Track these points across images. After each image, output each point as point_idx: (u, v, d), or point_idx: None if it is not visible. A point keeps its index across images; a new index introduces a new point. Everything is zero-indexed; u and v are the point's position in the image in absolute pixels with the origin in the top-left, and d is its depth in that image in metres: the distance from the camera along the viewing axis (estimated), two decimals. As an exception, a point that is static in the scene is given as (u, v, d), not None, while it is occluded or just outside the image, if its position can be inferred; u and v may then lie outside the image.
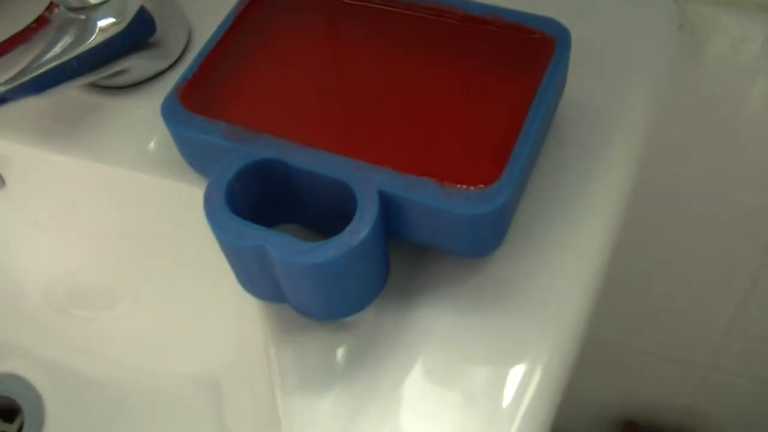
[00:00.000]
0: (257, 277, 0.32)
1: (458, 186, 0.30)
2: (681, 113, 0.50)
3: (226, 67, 0.35)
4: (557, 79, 0.33)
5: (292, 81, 0.35)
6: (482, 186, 0.30)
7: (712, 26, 0.44)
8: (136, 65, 0.41)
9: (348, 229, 0.29)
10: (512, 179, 0.30)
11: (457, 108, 0.33)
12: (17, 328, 0.51)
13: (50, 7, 0.41)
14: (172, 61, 0.43)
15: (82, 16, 0.39)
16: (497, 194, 0.29)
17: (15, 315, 0.51)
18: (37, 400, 0.50)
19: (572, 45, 0.34)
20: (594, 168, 0.37)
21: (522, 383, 0.32)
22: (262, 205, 0.33)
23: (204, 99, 0.34)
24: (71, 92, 0.43)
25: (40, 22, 0.42)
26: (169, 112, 0.34)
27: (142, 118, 0.42)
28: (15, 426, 0.50)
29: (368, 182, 0.30)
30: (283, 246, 0.29)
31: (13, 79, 0.37)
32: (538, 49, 0.34)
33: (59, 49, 0.38)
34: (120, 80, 0.42)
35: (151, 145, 0.41)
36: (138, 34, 0.40)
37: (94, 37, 0.39)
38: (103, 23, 0.39)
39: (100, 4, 0.39)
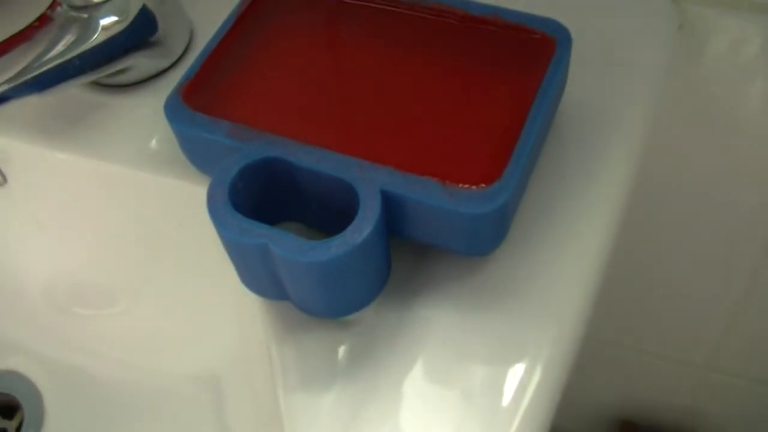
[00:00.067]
0: (259, 275, 0.32)
1: (460, 185, 0.30)
2: (680, 113, 0.50)
3: (229, 65, 0.35)
4: (558, 79, 0.33)
5: (294, 80, 0.35)
6: (484, 185, 0.30)
7: (711, 27, 0.44)
8: (138, 64, 0.42)
9: (350, 227, 0.29)
10: (513, 179, 0.30)
11: (458, 107, 0.33)
12: (17, 325, 0.51)
13: (53, 6, 0.41)
14: (173, 60, 0.43)
15: (85, 15, 0.39)
16: (499, 194, 0.29)
17: (15, 312, 0.51)
18: (36, 397, 0.50)
19: (572, 45, 0.34)
20: (594, 168, 0.37)
21: (522, 383, 0.32)
22: (264, 203, 0.33)
23: (207, 98, 0.34)
24: (73, 90, 0.43)
25: (43, 21, 0.42)
26: (172, 111, 0.34)
27: (143, 117, 0.42)
28: (14, 423, 0.50)
29: (371, 181, 0.30)
30: (286, 244, 0.29)
31: (15, 77, 0.38)
32: (539, 50, 0.34)
33: (62, 48, 0.38)
34: (122, 79, 0.42)
35: (153, 143, 0.41)
36: (140, 33, 0.40)
37: (96, 35, 0.39)
38: (105, 22, 0.39)
39: (103, 2, 0.39)
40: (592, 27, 0.41)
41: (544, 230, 0.35)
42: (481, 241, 0.32)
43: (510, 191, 0.30)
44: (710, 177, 0.55)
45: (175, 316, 0.47)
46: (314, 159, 0.31)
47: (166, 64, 0.43)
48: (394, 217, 0.31)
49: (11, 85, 0.37)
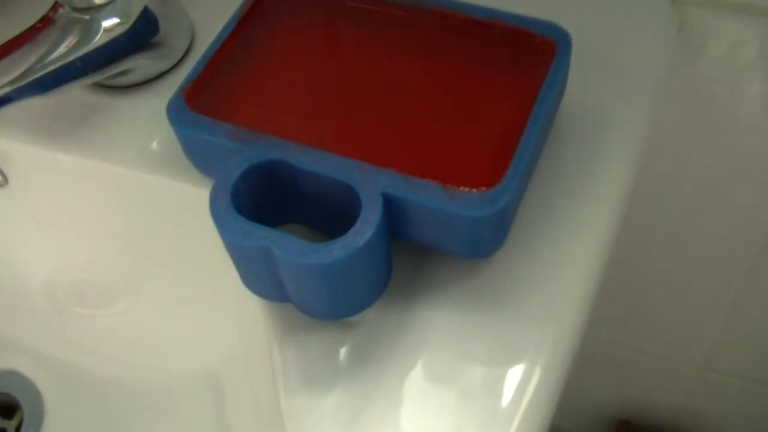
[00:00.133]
0: (261, 277, 0.32)
1: (461, 188, 0.30)
2: (679, 114, 0.50)
3: (231, 68, 0.35)
4: (558, 82, 0.33)
5: (296, 82, 0.35)
6: (484, 188, 0.30)
7: (710, 29, 0.44)
8: (140, 65, 0.42)
9: (352, 230, 0.29)
10: (514, 182, 0.30)
11: (458, 110, 0.33)
12: (17, 325, 0.51)
13: (55, 7, 0.41)
14: (175, 62, 0.43)
15: (87, 17, 0.39)
16: (500, 197, 0.30)
17: (15, 312, 0.51)
18: (36, 397, 0.50)
19: (572, 48, 0.34)
20: (594, 169, 0.37)
21: (521, 383, 0.32)
22: (265, 205, 0.33)
23: (209, 100, 0.34)
24: (74, 91, 0.43)
25: (45, 22, 0.42)
26: (174, 113, 0.34)
27: (145, 118, 0.42)
28: (14, 423, 0.50)
29: (372, 184, 0.30)
30: (289, 246, 0.29)
31: (18, 78, 0.38)
32: (539, 53, 0.34)
33: (64, 50, 0.39)
34: (123, 80, 0.42)
35: (154, 144, 0.41)
36: (142, 35, 0.41)
37: (98, 37, 0.39)
38: (107, 23, 0.39)
39: (105, 4, 0.39)
40: (592, 28, 0.41)
41: (543, 232, 0.35)
42: (482, 243, 0.32)
43: (510, 194, 0.30)
44: (709, 177, 0.55)
45: (174, 316, 0.47)
46: (316, 161, 0.31)
47: (167, 65, 0.43)
48: (395, 220, 0.31)
49: (14, 86, 0.37)
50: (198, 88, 0.35)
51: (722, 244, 0.61)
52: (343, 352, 0.33)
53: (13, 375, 0.51)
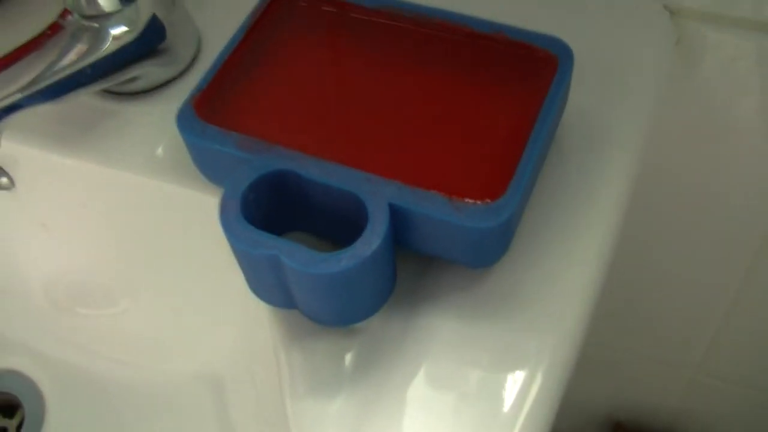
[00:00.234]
0: (269, 284, 0.33)
1: (465, 200, 0.31)
2: (677, 126, 0.51)
3: (240, 78, 0.36)
4: (560, 96, 0.34)
5: (303, 93, 0.36)
6: (489, 200, 0.31)
7: (708, 43, 0.45)
8: (148, 72, 0.42)
9: (360, 240, 0.30)
10: (518, 193, 0.31)
11: (463, 122, 0.34)
12: (20, 324, 0.51)
13: (63, 14, 0.41)
14: (182, 69, 0.44)
15: (96, 24, 0.39)
16: (504, 208, 0.30)
17: (18, 312, 0.51)
18: (37, 396, 0.50)
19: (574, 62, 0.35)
20: (594, 180, 0.38)
21: (523, 389, 0.33)
22: (273, 214, 0.34)
23: (218, 109, 0.35)
24: (82, 97, 0.43)
25: (54, 29, 0.43)
26: (184, 122, 0.34)
27: (151, 125, 0.42)
28: (15, 422, 0.50)
29: (379, 195, 0.31)
30: (298, 256, 0.30)
31: (28, 86, 0.38)
32: (542, 67, 0.35)
33: (73, 57, 0.39)
34: (131, 87, 0.43)
35: (160, 151, 0.41)
36: (149, 42, 0.41)
37: (107, 45, 0.39)
38: (115, 31, 0.39)
39: (114, 12, 0.39)
40: (592, 41, 0.42)
41: (545, 241, 0.36)
42: (485, 253, 0.33)
43: (514, 206, 0.31)
44: (704, 185, 0.56)
45: (177, 318, 0.47)
46: (324, 172, 0.32)
47: (174, 72, 0.43)
48: (401, 230, 0.32)
49: (24, 93, 0.38)
50: (207, 97, 0.35)
51: (717, 249, 0.61)
52: (348, 358, 0.34)
53: (15, 374, 0.51)
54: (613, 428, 0.90)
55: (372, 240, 0.30)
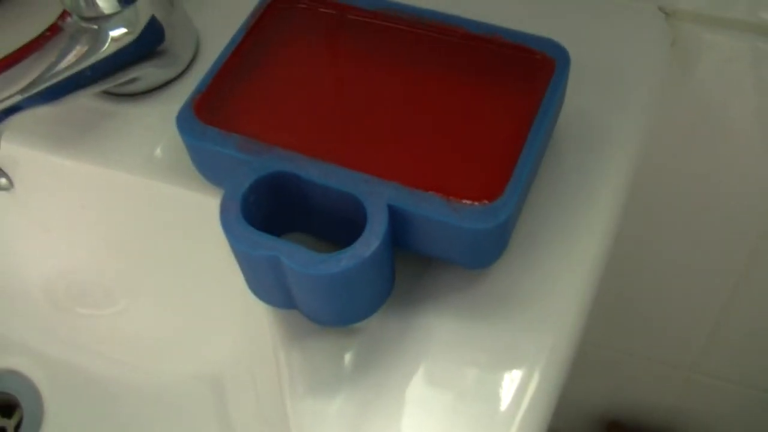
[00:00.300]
0: (269, 285, 0.33)
1: (463, 201, 0.31)
2: (673, 127, 0.51)
3: (239, 80, 0.36)
4: (557, 98, 0.34)
5: (302, 95, 0.36)
6: (486, 201, 0.31)
7: (703, 44, 0.45)
8: (147, 74, 0.42)
9: (359, 241, 0.30)
10: (515, 195, 0.31)
11: (460, 124, 0.34)
12: (18, 324, 0.51)
13: (63, 16, 0.41)
14: (180, 70, 0.44)
15: (95, 26, 0.39)
16: (501, 210, 0.31)
17: (16, 312, 0.51)
18: (36, 396, 0.50)
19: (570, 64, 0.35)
20: (590, 181, 0.38)
21: (520, 388, 0.33)
22: (273, 214, 0.34)
23: (217, 111, 0.35)
24: (81, 99, 0.44)
25: (53, 31, 0.43)
26: (184, 124, 0.35)
27: (150, 126, 0.42)
28: (13, 422, 0.50)
29: (378, 196, 0.31)
30: (298, 256, 0.30)
31: (28, 87, 0.38)
32: (538, 69, 0.35)
33: (73, 58, 0.39)
34: (130, 88, 0.43)
35: (159, 152, 0.42)
36: (148, 44, 0.41)
37: (106, 46, 0.39)
38: (115, 33, 0.39)
39: (113, 14, 0.39)
40: (589, 43, 0.42)
41: (542, 242, 0.36)
42: (483, 253, 0.33)
43: (512, 208, 0.31)
44: (700, 185, 0.56)
45: (176, 319, 0.48)
46: (323, 174, 0.32)
47: (173, 73, 0.44)
48: (399, 231, 0.32)
49: (24, 95, 0.38)
50: (206, 99, 0.35)
51: (713, 249, 0.61)
52: (348, 357, 0.34)
53: (13, 374, 0.51)
54: (609, 427, 0.91)
55: (371, 241, 0.30)
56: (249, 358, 0.43)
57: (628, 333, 0.76)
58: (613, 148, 0.39)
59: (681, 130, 0.52)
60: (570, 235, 0.36)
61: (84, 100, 0.44)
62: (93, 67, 0.39)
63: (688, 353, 0.75)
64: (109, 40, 0.40)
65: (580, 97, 0.40)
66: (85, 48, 0.39)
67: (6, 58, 0.42)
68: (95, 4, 0.39)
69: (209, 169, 0.36)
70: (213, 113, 0.35)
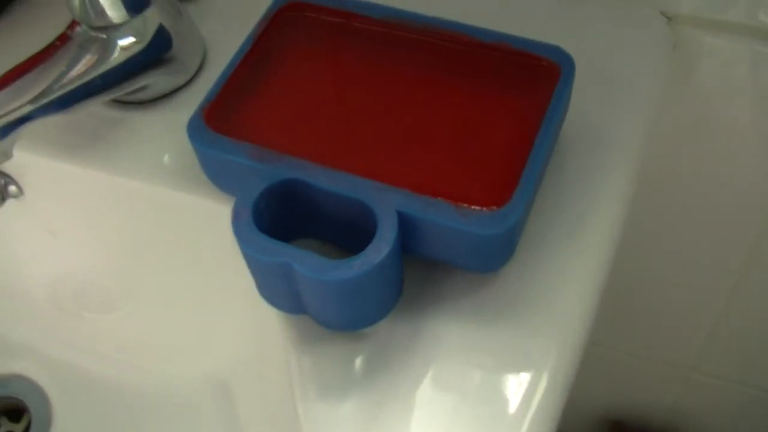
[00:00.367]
0: (279, 290, 0.34)
1: (472, 207, 0.31)
2: (674, 129, 0.52)
3: (248, 88, 0.37)
4: (562, 104, 0.35)
5: (311, 102, 0.36)
6: (495, 207, 0.31)
7: (704, 48, 0.46)
8: (155, 82, 0.43)
9: (370, 247, 0.31)
10: (523, 200, 0.32)
11: (467, 130, 0.35)
12: (26, 329, 0.52)
13: (72, 26, 0.42)
14: (188, 78, 0.44)
15: (104, 36, 0.40)
16: (509, 215, 0.31)
17: (25, 317, 0.52)
18: (44, 400, 0.51)
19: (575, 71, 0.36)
20: (594, 184, 0.39)
21: (528, 391, 0.33)
22: (282, 221, 0.34)
23: (227, 120, 0.35)
24: (90, 107, 0.44)
25: (63, 40, 0.43)
26: (194, 132, 0.35)
27: (157, 134, 0.43)
28: (22, 426, 0.51)
29: (387, 203, 0.32)
30: (309, 263, 0.30)
31: (38, 97, 0.38)
32: (544, 75, 0.35)
33: (82, 68, 0.39)
34: (138, 96, 0.43)
35: (166, 158, 0.42)
36: (156, 52, 0.41)
37: (116, 55, 0.40)
38: (124, 42, 0.40)
39: (122, 23, 0.40)
40: (592, 48, 0.43)
41: (548, 246, 0.37)
42: (491, 258, 0.34)
43: (520, 213, 0.31)
44: (700, 186, 0.56)
45: (185, 323, 0.48)
46: (334, 181, 0.32)
47: (181, 81, 0.44)
48: (408, 236, 0.33)
49: (35, 105, 0.38)
50: (216, 108, 0.36)
51: (713, 249, 0.62)
52: (357, 362, 0.35)
53: (21, 379, 0.52)
54: (610, 426, 0.91)
55: (381, 247, 0.30)
56: (258, 362, 0.43)
57: (629, 333, 0.76)
58: (616, 152, 0.40)
59: (682, 132, 0.52)
60: (575, 240, 0.37)
61: (92, 108, 0.44)
62: (102, 76, 0.40)
63: (688, 353, 0.75)
64: (119, 49, 0.40)
65: (583, 101, 0.40)
66: (95, 57, 0.40)
67: (16, 68, 0.43)
68: (104, 14, 0.39)
69: (219, 177, 0.37)
70: (223, 122, 0.35)
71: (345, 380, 0.34)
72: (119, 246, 0.47)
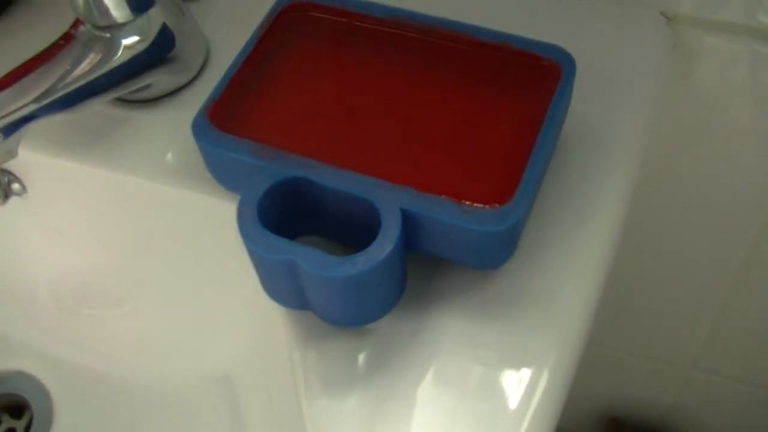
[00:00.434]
0: (284, 287, 0.34)
1: (474, 205, 0.32)
2: (673, 129, 0.52)
3: (251, 87, 0.37)
4: (563, 103, 0.35)
5: (314, 101, 0.37)
6: (497, 205, 0.32)
7: (703, 48, 0.46)
8: (158, 81, 0.43)
9: (374, 244, 0.31)
10: (525, 199, 0.32)
11: (470, 129, 0.35)
12: (27, 327, 0.52)
13: (76, 25, 0.42)
14: (191, 77, 0.44)
15: (108, 35, 0.40)
16: (511, 213, 0.32)
17: (27, 314, 0.52)
18: (45, 397, 0.51)
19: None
20: (594, 183, 0.39)
21: (529, 387, 0.34)
22: (286, 218, 0.35)
23: (231, 118, 0.36)
24: (93, 106, 0.44)
25: (67, 39, 0.43)
26: (199, 131, 0.35)
27: (161, 132, 0.43)
28: (23, 422, 0.51)
29: (391, 200, 0.32)
30: (314, 260, 0.31)
31: (42, 96, 0.38)
32: (545, 75, 0.36)
33: (86, 67, 0.39)
34: (142, 95, 0.44)
35: (169, 157, 0.42)
36: (159, 51, 0.42)
37: (119, 54, 0.40)
38: (128, 41, 0.40)
39: (126, 23, 0.40)
40: (592, 48, 0.43)
41: (549, 243, 0.37)
42: (493, 255, 0.34)
43: (522, 210, 0.32)
44: (699, 184, 0.57)
45: (188, 320, 0.48)
46: (338, 179, 0.33)
47: (184, 80, 0.44)
48: (411, 233, 0.33)
49: (39, 104, 0.38)
50: (220, 106, 0.36)
51: (712, 247, 0.62)
52: (361, 357, 0.35)
53: (23, 375, 0.52)
54: (609, 423, 0.91)
55: (385, 244, 0.31)
56: (261, 359, 0.43)
57: (628, 331, 0.77)
58: (616, 152, 0.40)
59: (682, 132, 0.52)
60: (575, 238, 0.37)
61: (95, 107, 0.44)
62: (106, 75, 0.40)
63: (687, 351, 0.75)
64: (122, 48, 0.40)
65: (583, 101, 0.40)
66: (99, 56, 0.40)
67: (20, 67, 0.43)
68: (108, 13, 0.40)
69: (224, 175, 0.37)
70: (227, 120, 0.36)
71: (348, 376, 0.35)
72: (122, 243, 0.47)
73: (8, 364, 0.52)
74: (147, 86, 0.43)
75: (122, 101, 0.44)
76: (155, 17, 0.41)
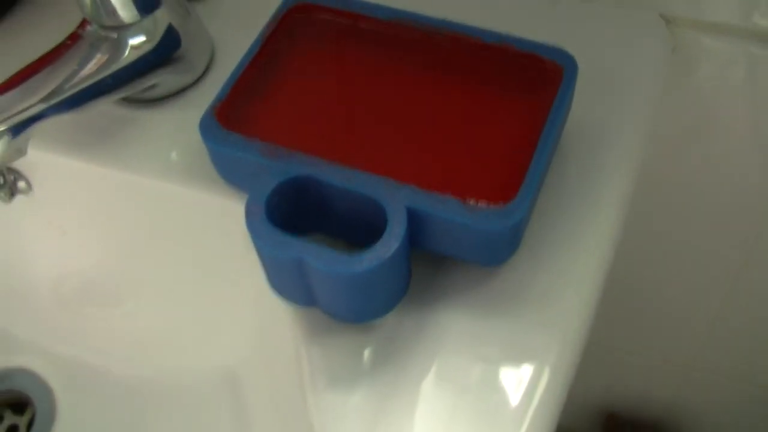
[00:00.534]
0: (291, 283, 0.34)
1: (479, 203, 0.32)
2: (674, 130, 0.53)
3: (258, 87, 0.37)
4: (565, 104, 0.35)
5: (320, 101, 0.37)
6: (501, 203, 0.32)
7: (703, 51, 0.47)
8: (164, 80, 0.43)
9: (380, 242, 0.31)
10: (528, 197, 0.32)
11: (474, 129, 0.36)
12: (30, 323, 0.52)
13: (83, 25, 0.42)
14: (197, 76, 0.45)
15: (114, 35, 0.40)
16: (515, 211, 0.32)
17: (31, 311, 0.52)
18: (48, 394, 0.51)
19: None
20: (595, 183, 0.39)
21: (531, 384, 0.34)
22: (293, 216, 0.35)
23: (238, 118, 0.36)
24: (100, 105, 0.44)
25: (74, 39, 0.44)
26: (206, 130, 0.36)
27: (167, 131, 0.43)
28: (26, 419, 0.51)
29: (397, 199, 0.32)
30: (322, 257, 0.31)
31: (49, 96, 0.39)
32: (547, 76, 0.36)
33: (93, 67, 0.40)
34: (147, 94, 0.44)
35: (174, 156, 0.43)
36: (165, 51, 0.42)
37: (126, 55, 0.40)
38: (134, 41, 0.40)
39: (133, 23, 0.40)
40: (592, 50, 0.43)
41: (551, 241, 0.37)
42: (496, 253, 0.34)
43: (525, 209, 0.32)
44: (697, 184, 0.57)
45: (194, 316, 0.48)
46: (344, 178, 0.33)
47: (189, 80, 0.44)
48: (416, 231, 0.33)
49: (46, 104, 0.38)
50: (227, 106, 0.36)
51: (711, 246, 0.63)
52: (366, 353, 0.35)
53: (25, 372, 0.52)
54: (606, 419, 0.92)
55: (391, 242, 0.31)
56: (266, 355, 0.43)
57: (627, 328, 0.77)
58: (616, 152, 0.40)
59: (681, 132, 0.53)
60: (576, 238, 0.38)
61: (102, 107, 0.44)
62: (113, 75, 0.40)
63: (685, 349, 0.76)
64: (129, 48, 0.41)
65: (584, 102, 0.41)
66: (106, 56, 0.40)
67: (28, 67, 0.43)
68: (115, 14, 0.40)
69: (231, 174, 0.37)
70: (234, 120, 0.36)
71: (353, 371, 0.35)
72: (126, 241, 0.48)
73: (11, 360, 0.52)
74: (153, 86, 0.43)
75: (128, 101, 0.45)
76: (161, 18, 0.41)
